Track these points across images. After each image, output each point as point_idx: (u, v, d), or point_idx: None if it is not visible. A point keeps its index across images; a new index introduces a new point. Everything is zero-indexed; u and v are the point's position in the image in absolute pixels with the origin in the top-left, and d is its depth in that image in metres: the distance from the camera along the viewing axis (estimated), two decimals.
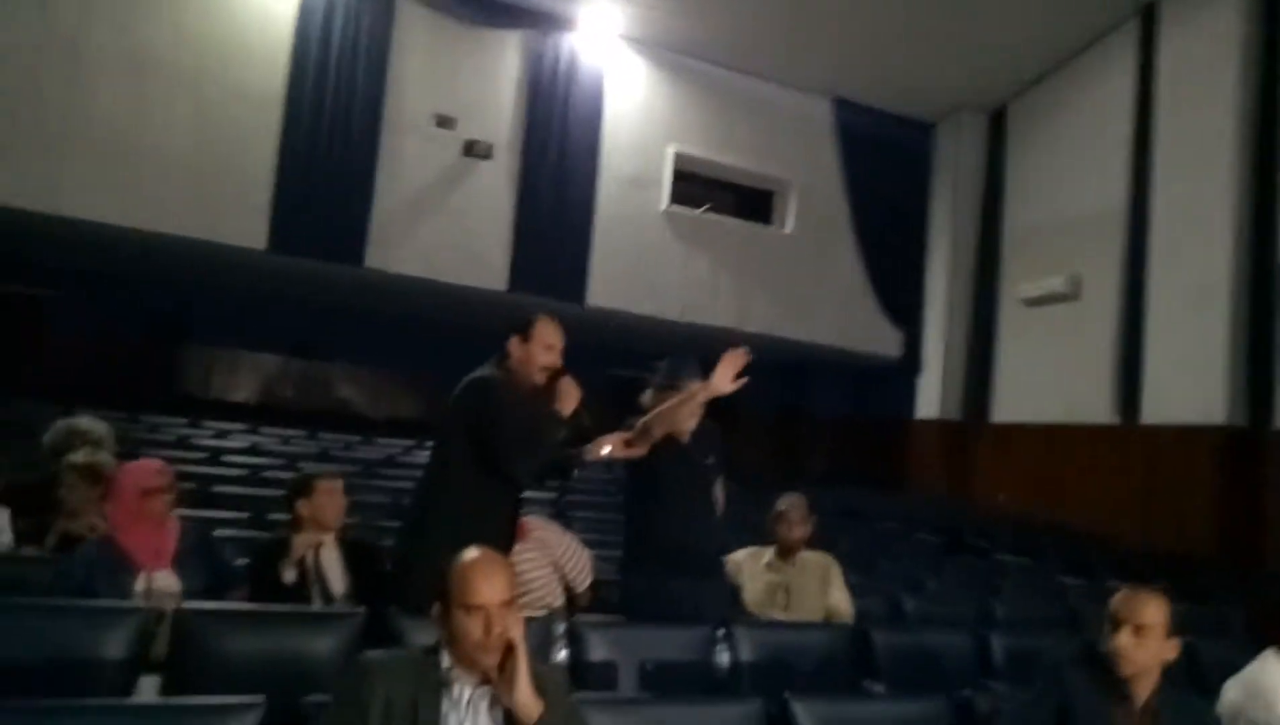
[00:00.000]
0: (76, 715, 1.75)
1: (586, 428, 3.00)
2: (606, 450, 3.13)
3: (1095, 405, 9.27)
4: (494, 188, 9.49)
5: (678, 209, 10.35)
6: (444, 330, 11.56)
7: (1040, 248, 10.39)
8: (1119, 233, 9.31)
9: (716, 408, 3.40)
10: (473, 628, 1.87)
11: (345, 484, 5.80)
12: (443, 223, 9.29)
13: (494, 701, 1.91)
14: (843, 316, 11.09)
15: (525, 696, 1.86)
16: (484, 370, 3.00)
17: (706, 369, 3.29)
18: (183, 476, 5.27)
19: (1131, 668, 2.33)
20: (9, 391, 8.92)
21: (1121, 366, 9.08)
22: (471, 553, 1.97)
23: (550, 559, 3.59)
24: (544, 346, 2.99)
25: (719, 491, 3.46)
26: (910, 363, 11.49)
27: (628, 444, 3.18)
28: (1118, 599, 2.41)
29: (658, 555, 3.38)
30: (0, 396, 8.42)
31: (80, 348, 11.31)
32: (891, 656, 3.39)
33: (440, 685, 1.90)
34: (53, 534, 3.35)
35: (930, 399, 11.36)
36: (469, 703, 1.90)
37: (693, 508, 3.34)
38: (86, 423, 4.14)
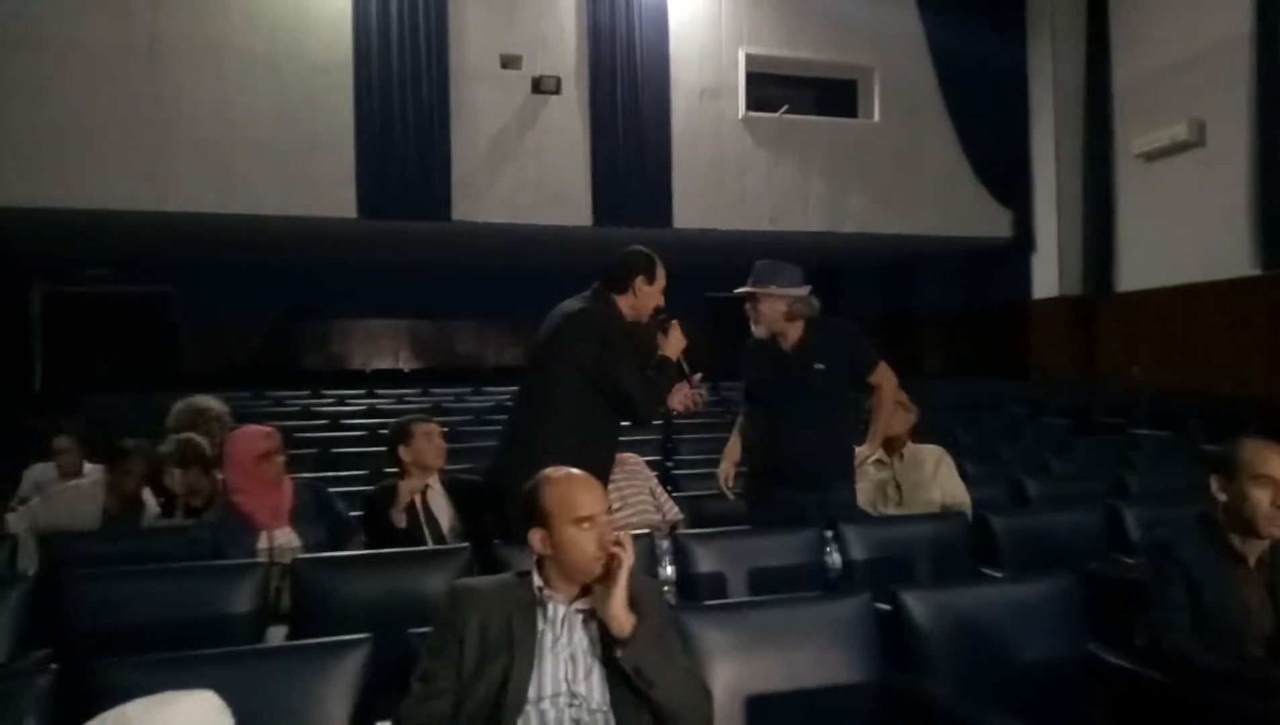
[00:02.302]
0: (196, 664, 1.87)
1: (682, 376, 3.11)
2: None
3: (1233, 257, 8.58)
4: (567, 122, 9.40)
5: (756, 114, 10.02)
6: (539, 274, 11.68)
7: (1155, 95, 9.58)
8: (1246, 64, 8.46)
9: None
10: (587, 541, 1.88)
11: (458, 432, 6.08)
12: (522, 166, 9.29)
13: (588, 617, 1.93)
14: (944, 203, 10.58)
15: (619, 608, 1.87)
16: (583, 303, 3.04)
17: (808, 277, 3.35)
18: (305, 442, 5.62)
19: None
20: (150, 385, 9.57)
21: (1260, 211, 8.34)
22: (560, 471, 1.98)
23: (648, 486, 3.64)
24: (661, 288, 3.11)
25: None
26: (1023, 241, 10.90)
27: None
28: (1254, 457, 2.23)
29: (762, 466, 3.40)
30: (142, 391, 9.04)
31: (207, 336, 12.01)
32: (1012, 541, 3.28)
33: (534, 604, 1.93)
34: (178, 510, 3.59)
35: (1048, 276, 10.78)
36: (564, 620, 1.92)
37: (792, 417, 3.29)
38: (204, 401, 4.38)
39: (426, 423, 3.44)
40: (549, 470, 1.99)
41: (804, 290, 3.34)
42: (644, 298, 3.08)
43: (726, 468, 3.44)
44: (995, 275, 11.57)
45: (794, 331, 3.36)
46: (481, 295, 12.47)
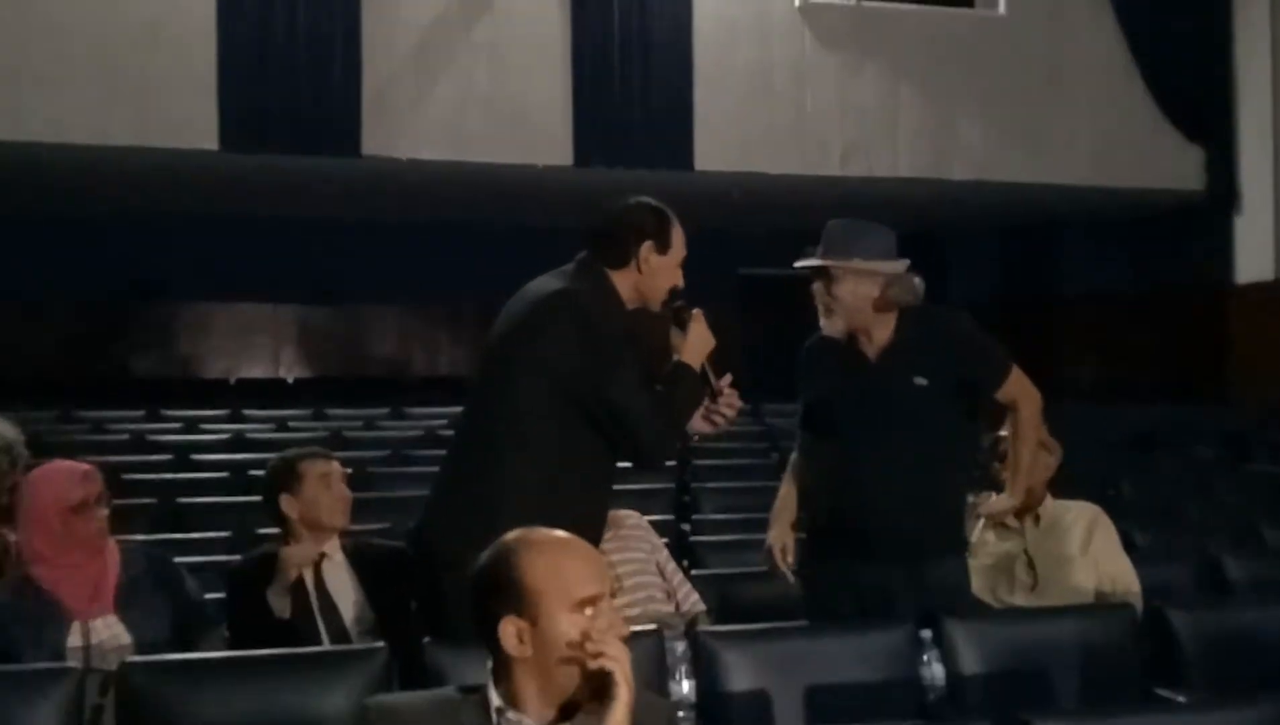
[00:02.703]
0: None
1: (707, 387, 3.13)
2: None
3: None
4: (535, 8, 9.47)
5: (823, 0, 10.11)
6: (492, 239, 11.73)
7: None
8: None
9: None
10: (582, 630, 1.89)
11: (369, 474, 6.09)
12: (466, 74, 9.36)
13: None
14: (1100, 135, 10.65)
15: None
16: (562, 283, 3.06)
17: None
18: (139, 489, 5.63)
19: None
20: None
21: None
22: (542, 533, 2.01)
23: (654, 559, 3.65)
24: (679, 260, 3.12)
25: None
26: (1221, 195, 10.96)
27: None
28: None
29: (828, 528, 3.42)
30: None
31: None
32: (1203, 648, 3.29)
33: None
34: None
35: (1259, 248, 10.85)
36: None
37: (876, 455, 3.32)
38: None
39: (323, 460, 3.45)
40: (522, 533, 2.01)
41: (901, 265, 3.36)
42: (653, 275, 3.09)
43: (781, 533, 3.45)
44: (1177, 247, 11.60)
45: (883, 328, 3.37)
46: (406, 269, 12.49)
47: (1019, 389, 3.44)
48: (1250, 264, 10.98)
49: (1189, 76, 10.84)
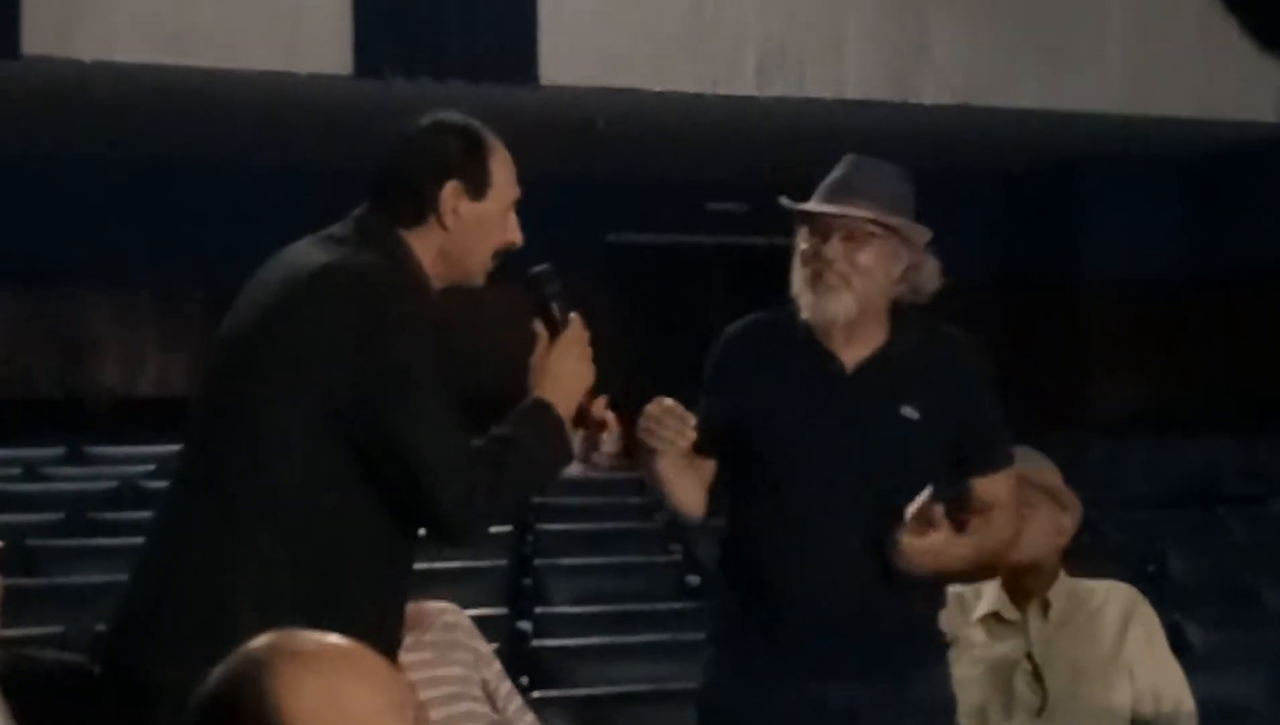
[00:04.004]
0: None
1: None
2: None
3: None
4: None
5: None
6: (226, 185, 11.68)
7: None
8: None
9: None
10: None
11: (29, 551, 6.00)
12: None
13: None
14: (1143, 47, 10.92)
15: None
16: (331, 255, 2.98)
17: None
18: None
19: None
20: None
21: None
22: (311, 641, 1.96)
23: (480, 677, 3.65)
24: (508, 204, 3.11)
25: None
26: None
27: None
28: None
29: (763, 626, 3.44)
30: None
31: None
32: None
33: None
34: None
35: None
36: None
37: (841, 515, 3.35)
38: None
39: None
40: (276, 640, 1.96)
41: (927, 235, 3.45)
42: (467, 231, 3.06)
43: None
44: (1250, 208, 11.97)
45: (876, 327, 3.44)
46: (91, 232, 12.37)
47: (1008, 493, 3.51)
48: None
49: None
